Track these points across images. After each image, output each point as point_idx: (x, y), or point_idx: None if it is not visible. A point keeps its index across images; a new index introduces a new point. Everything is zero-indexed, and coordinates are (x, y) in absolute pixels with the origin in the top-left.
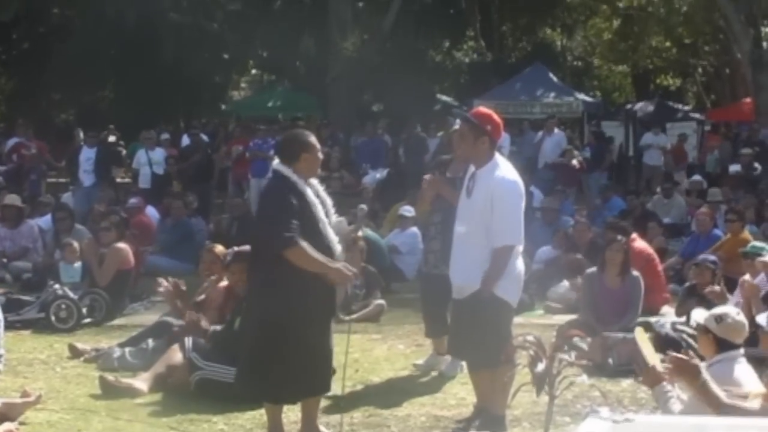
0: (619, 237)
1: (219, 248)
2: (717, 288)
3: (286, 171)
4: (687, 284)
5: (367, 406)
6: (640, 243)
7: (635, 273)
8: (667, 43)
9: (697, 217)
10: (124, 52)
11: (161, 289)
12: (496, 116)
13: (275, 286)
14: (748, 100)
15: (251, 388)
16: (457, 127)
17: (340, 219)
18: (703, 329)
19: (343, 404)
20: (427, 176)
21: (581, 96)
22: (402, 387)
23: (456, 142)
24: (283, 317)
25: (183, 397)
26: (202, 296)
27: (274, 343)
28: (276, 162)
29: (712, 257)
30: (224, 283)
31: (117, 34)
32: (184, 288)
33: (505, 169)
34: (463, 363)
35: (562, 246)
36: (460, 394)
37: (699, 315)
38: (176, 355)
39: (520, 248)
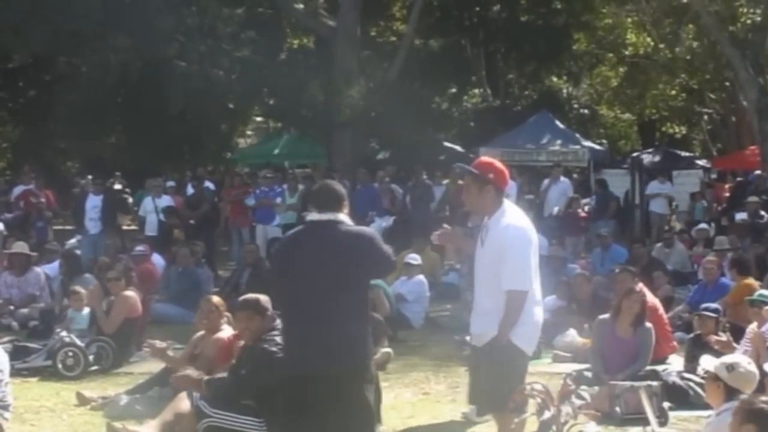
0: (637, 288)
1: (216, 299)
2: (723, 337)
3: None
4: (692, 334)
5: None
6: (645, 293)
7: (648, 324)
8: (673, 91)
9: (704, 265)
10: (129, 100)
11: (146, 349)
12: (498, 164)
13: None
14: (753, 148)
15: None
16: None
17: None
18: (713, 377)
19: None
20: (437, 232)
21: (587, 144)
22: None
23: (463, 194)
24: None
25: None
26: (198, 348)
27: None
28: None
29: (714, 305)
30: (221, 334)
31: (123, 82)
32: (163, 345)
33: (512, 215)
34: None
35: (565, 295)
36: None
37: (708, 362)
38: (183, 403)
39: (539, 297)
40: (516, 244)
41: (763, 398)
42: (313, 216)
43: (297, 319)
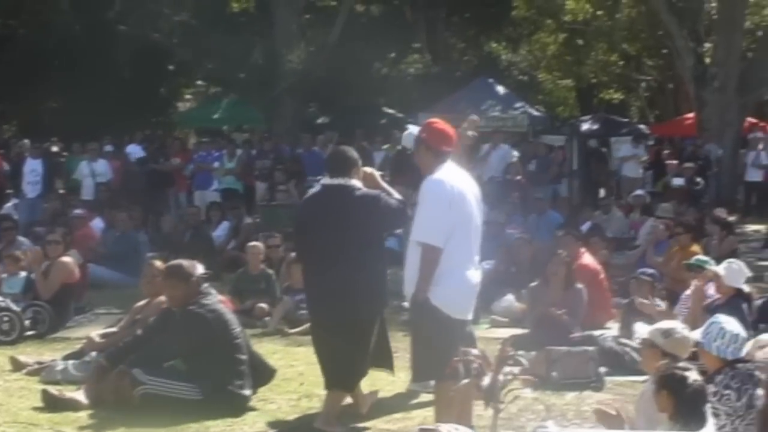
0: (560, 251)
1: (158, 263)
2: (660, 305)
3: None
4: (628, 299)
5: (311, 420)
6: (587, 258)
7: (579, 285)
8: (612, 58)
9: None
10: (68, 63)
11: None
12: (438, 124)
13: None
14: (690, 115)
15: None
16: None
17: None
18: (649, 344)
19: (288, 417)
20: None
21: (527, 109)
22: (347, 400)
23: None
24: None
25: (126, 410)
26: (139, 315)
27: None
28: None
29: (650, 270)
30: (164, 297)
31: (62, 45)
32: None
33: (439, 172)
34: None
35: (504, 260)
36: (406, 408)
37: (643, 329)
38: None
39: (465, 259)
40: (428, 197)
41: (680, 365)
42: (326, 180)
43: (317, 274)
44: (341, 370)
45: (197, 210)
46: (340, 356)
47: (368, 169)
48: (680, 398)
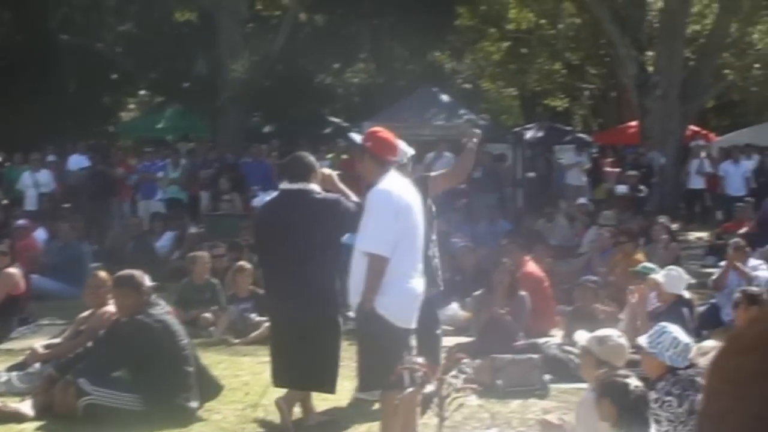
0: (504, 259)
1: (103, 274)
2: (607, 308)
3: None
4: (572, 306)
5: (256, 430)
6: (531, 265)
7: (522, 293)
8: (555, 66)
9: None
10: (10, 73)
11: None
12: (381, 133)
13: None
14: (633, 123)
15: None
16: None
17: None
18: (585, 351)
19: (234, 428)
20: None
21: (472, 118)
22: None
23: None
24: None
25: (70, 421)
26: (83, 325)
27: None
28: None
29: (594, 277)
30: (108, 308)
31: (3, 54)
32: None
33: (385, 181)
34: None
35: (449, 269)
36: (353, 418)
37: (582, 337)
38: (62, 381)
39: (410, 268)
40: (374, 207)
41: (619, 372)
42: (285, 185)
43: (278, 277)
44: (316, 372)
45: (139, 220)
46: (309, 358)
47: (327, 171)
48: (623, 406)
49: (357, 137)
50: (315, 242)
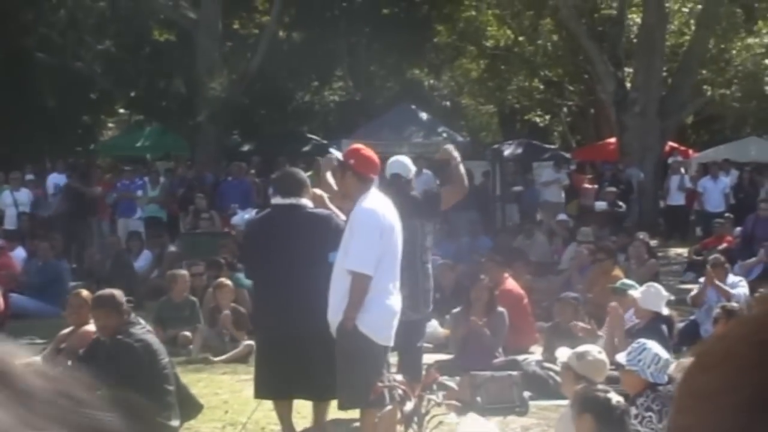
0: (482, 276)
1: (85, 293)
2: (587, 325)
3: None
4: (551, 322)
5: None
6: (510, 282)
7: (500, 309)
8: (534, 83)
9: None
10: None
11: None
12: (364, 151)
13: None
14: (612, 140)
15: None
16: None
17: None
18: (565, 367)
19: None
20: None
21: (450, 134)
22: (272, 428)
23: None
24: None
25: None
26: (63, 344)
27: None
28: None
29: (573, 294)
30: (89, 327)
31: None
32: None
33: (369, 200)
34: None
35: None
36: None
37: (563, 353)
38: None
39: (390, 285)
40: (360, 226)
41: (599, 387)
42: (276, 200)
43: (271, 290)
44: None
45: (118, 239)
46: (313, 369)
47: (318, 191)
48: (605, 421)
49: (337, 154)
50: (309, 255)
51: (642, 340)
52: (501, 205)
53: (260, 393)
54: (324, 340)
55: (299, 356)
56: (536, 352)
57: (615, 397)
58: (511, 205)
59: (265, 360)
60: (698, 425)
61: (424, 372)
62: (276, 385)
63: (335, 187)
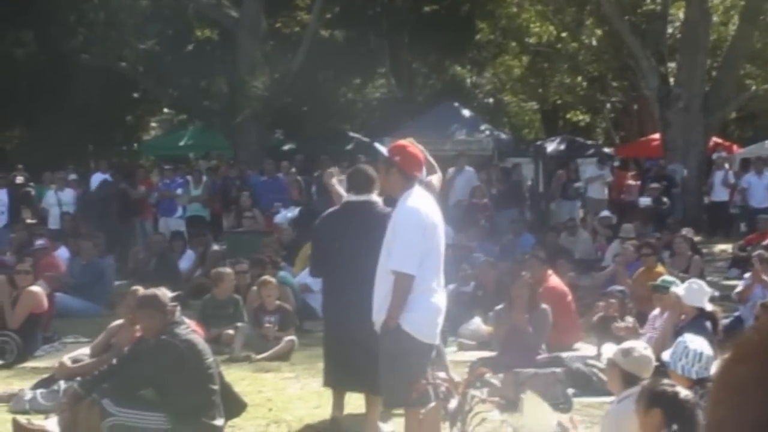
0: (524, 273)
1: (142, 291)
2: (630, 322)
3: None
4: (597, 316)
5: None
6: (554, 279)
7: (544, 306)
8: (576, 79)
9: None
10: (33, 93)
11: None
12: (410, 148)
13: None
14: (656, 136)
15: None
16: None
17: None
18: (611, 363)
19: None
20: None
21: (493, 132)
22: (315, 426)
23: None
24: None
25: None
26: (114, 338)
27: None
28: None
29: (620, 287)
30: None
31: (26, 75)
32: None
33: (414, 198)
34: None
35: (468, 284)
36: None
37: (609, 350)
38: (86, 401)
39: (434, 284)
40: (404, 225)
41: (665, 381)
42: (350, 197)
43: (342, 286)
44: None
45: (162, 237)
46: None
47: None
48: (675, 416)
49: (383, 149)
50: (378, 252)
51: (683, 338)
52: (546, 202)
53: (327, 382)
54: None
55: (363, 352)
56: (580, 349)
57: (683, 391)
58: (571, 202)
59: (332, 353)
60: (731, 417)
61: (467, 369)
62: (341, 377)
63: (343, 195)
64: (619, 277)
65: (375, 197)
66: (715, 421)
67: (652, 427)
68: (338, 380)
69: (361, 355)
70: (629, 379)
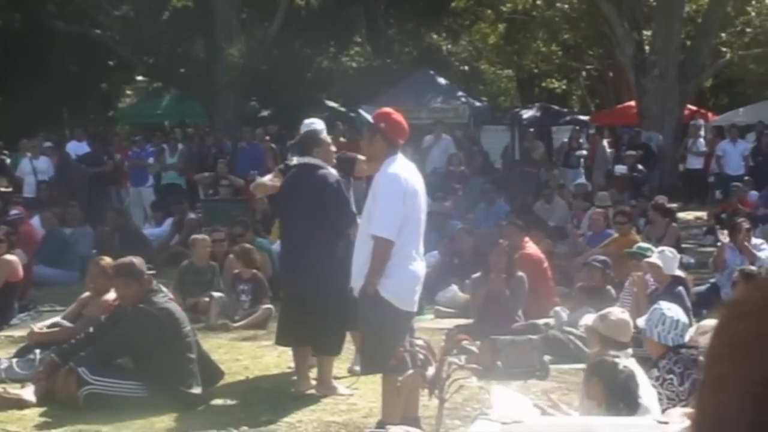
0: (501, 240)
1: (106, 260)
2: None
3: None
4: (579, 285)
5: (258, 413)
6: (530, 247)
7: (520, 273)
8: (552, 47)
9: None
10: (8, 59)
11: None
12: (395, 116)
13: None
14: (631, 103)
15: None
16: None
17: None
18: (590, 330)
19: (235, 411)
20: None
21: (468, 100)
22: (292, 393)
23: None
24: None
25: (72, 408)
26: (85, 308)
27: None
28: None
29: (602, 257)
30: (108, 296)
31: (0, 41)
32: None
33: (396, 165)
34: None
35: (448, 251)
36: (350, 400)
37: (588, 319)
38: (62, 369)
39: (413, 251)
40: (385, 191)
41: (611, 352)
42: (294, 161)
43: (288, 247)
44: (323, 336)
45: (114, 214)
46: (319, 323)
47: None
48: (610, 385)
49: (368, 116)
50: (317, 214)
51: (659, 306)
52: (520, 169)
53: (279, 340)
54: (328, 300)
55: (308, 311)
56: (555, 315)
57: (622, 363)
58: (574, 170)
59: (285, 312)
60: (734, 373)
61: (443, 336)
62: (292, 334)
63: (276, 186)
64: (591, 244)
65: (315, 160)
66: (714, 377)
67: (592, 394)
68: (290, 338)
69: (305, 314)
70: (608, 344)
